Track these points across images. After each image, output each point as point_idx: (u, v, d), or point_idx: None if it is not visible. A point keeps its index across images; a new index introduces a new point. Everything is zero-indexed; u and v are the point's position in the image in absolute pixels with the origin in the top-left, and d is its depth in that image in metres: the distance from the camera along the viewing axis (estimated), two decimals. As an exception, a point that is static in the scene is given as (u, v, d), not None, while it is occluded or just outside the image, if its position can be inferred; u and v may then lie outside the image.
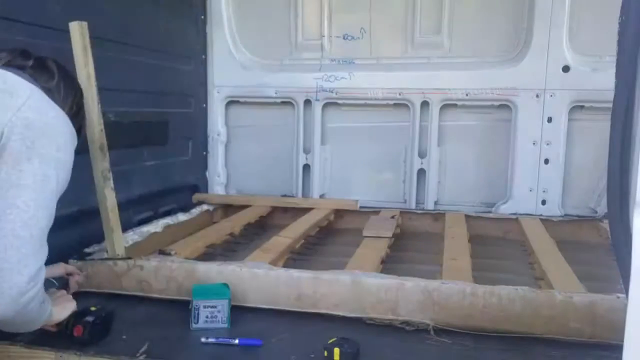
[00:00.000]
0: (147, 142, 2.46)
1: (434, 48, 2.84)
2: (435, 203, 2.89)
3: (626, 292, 0.76)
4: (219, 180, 3.11)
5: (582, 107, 2.68)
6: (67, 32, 1.64)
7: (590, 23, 2.60)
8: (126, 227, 2.13)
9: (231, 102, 3.11)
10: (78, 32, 1.59)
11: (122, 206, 2.21)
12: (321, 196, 3.04)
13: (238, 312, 1.54)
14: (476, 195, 2.87)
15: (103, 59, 2.07)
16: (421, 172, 2.90)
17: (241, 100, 3.09)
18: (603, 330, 1.37)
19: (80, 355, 1.32)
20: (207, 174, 3.09)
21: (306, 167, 3.04)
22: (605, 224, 2.40)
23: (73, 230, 1.77)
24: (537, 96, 2.70)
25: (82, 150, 1.59)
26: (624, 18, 0.78)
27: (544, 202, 2.74)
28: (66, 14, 1.60)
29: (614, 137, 0.82)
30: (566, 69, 2.65)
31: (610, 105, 0.83)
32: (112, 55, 2.14)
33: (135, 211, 2.33)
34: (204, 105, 3.04)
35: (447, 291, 1.48)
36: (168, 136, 2.64)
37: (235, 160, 3.15)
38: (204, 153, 3.07)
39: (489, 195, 2.84)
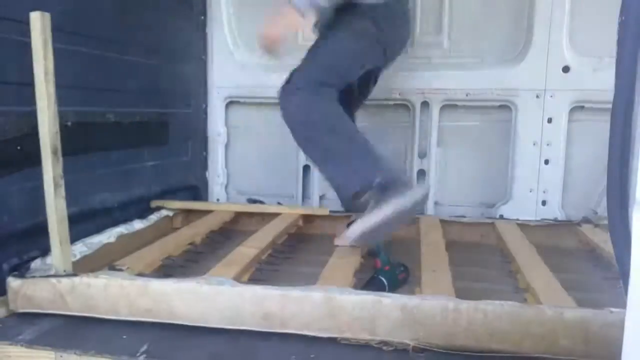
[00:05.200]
0: (147, 143, 2.46)
1: (434, 48, 2.84)
2: (435, 204, 2.88)
3: (625, 292, 0.76)
4: (218, 180, 3.11)
5: (582, 107, 2.68)
6: (70, 33, 1.64)
7: (590, 23, 2.60)
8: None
9: (231, 103, 3.11)
10: (39, 23, 1.47)
11: (123, 206, 2.24)
12: (321, 197, 3.03)
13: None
14: (476, 196, 2.87)
15: (103, 59, 2.09)
16: (421, 173, 2.90)
17: (241, 100, 3.09)
18: (596, 348, 1.29)
19: (81, 354, 1.32)
20: (207, 174, 3.10)
21: (306, 168, 3.04)
22: (584, 229, 2.38)
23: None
24: (537, 97, 2.70)
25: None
26: (624, 18, 0.78)
27: (544, 203, 2.74)
28: (65, 14, 1.60)
29: (614, 137, 0.82)
30: (566, 69, 2.65)
31: (611, 106, 0.83)
32: (112, 55, 2.15)
33: (135, 212, 2.33)
34: (204, 105, 3.04)
35: (428, 308, 1.37)
36: (168, 137, 2.64)
37: (235, 161, 3.15)
38: (204, 154, 3.08)
39: (489, 196, 2.84)
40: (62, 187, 1.55)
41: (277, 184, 3.06)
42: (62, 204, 1.56)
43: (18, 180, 1.68)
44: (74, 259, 1.69)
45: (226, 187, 3.13)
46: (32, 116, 1.54)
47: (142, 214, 2.36)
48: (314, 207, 2.70)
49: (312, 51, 2.13)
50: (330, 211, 2.57)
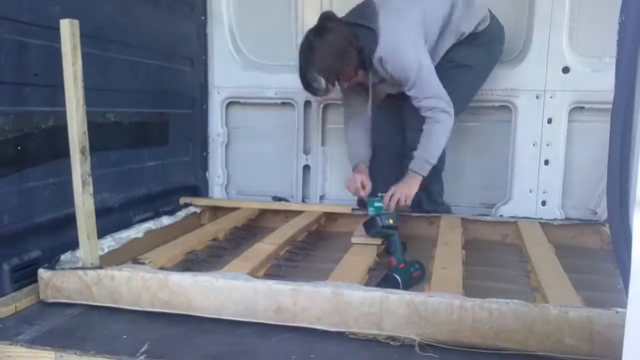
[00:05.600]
0: (148, 143, 2.46)
1: (434, 49, 2.84)
2: (436, 204, 2.89)
3: (626, 292, 0.76)
4: (219, 181, 3.11)
5: (582, 108, 2.68)
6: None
7: (590, 24, 2.60)
8: (127, 227, 2.15)
9: (231, 103, 3.11)
10: (68, 29, 1.55)
11: (123, 207, 2.24)
12: (321, 197, 3.04)
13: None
14: (476, 196, 2.87)
15: (104, 59, 2.09)
16: (421, 173, 2.90)
17: (241, 101, 3.09)
18: (601, 348, 1.30)
19: (81, 355, 1.32)
20: (207, 174, 3.10)
21: (306, 168, 3.04)
22: (607, 228, 2.37)
23: (61, 234, 1.76)
24: (537, 97, 2.70)
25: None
26: (624, 18, 0.78)
27: (544, 203, 2.74)
28: (66, 15, 1.60)
29: (613, 138, 0.82)
30: (566, 70, 2.66)
31: (610, 106, 0.83)
32: (113, 55, 2.15)
33: (135, 212, 2.33)
34: (204, 106, 3.04)
35: (434, 305, 1.39)
36: (168, 137, 2.64)
37: (235, 161, 3.15)
38: (204, 154, 3.08)
39: (489, 196, 2.84)
40: (90, 185, 1.63)
41: (277, 184, 3.06)
42: (90, 200, 1.63)
43: (18, 180, 1.68)
44: (102, 253, 1.78)
45: (226, 187, 3.13)
46: (33, 116, 1.54)
47: (142, 215, 2.37)
48: (336, 205, 2.71)
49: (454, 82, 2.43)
50: (353, 209, 2.60)
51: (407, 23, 2.28)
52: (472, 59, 2.47)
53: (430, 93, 2.31)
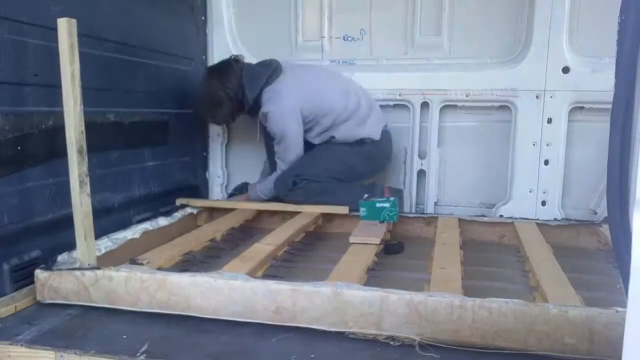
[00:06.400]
0: (148, 143, 2.46)
1: (434, 49, 2.85)
2: (435, 204, 2.89)
3: (626, 292, 0.76)
4: (219, 181, 3.11)
5: (582, 108, 2.68)
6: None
7: (590, 24, 2.60)
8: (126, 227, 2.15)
9: (231, 103, 3.10)
10: (66, 28, 1.54)
11: (123, 206, 2.24)
12: (321, 197, 3.04)
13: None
14: (476, 196, 2.87)
15: (104, 59, 2.09)
16: (421, 173, 2.90)
17: (241, 101, 3.09)
18: (601, 347, 1.30)
19: (81, 354, 1.33)
20: (207, 174, 3.10)
21: (306, 168, 3.04)
22: (604, 229, 2.37)
23: (61, 234, 1.76)
24: (537, 97, 2.70)
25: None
26: (624, 18, 0.78)
27: (543, 203, 2.74)
28: (66, 15, 1.60)
29: (613, 138, 0.82)
30: (566, 70, 2.65)
31: (610, 106, 0.83)
32: (113, 55, 2.15)
33: (135, 212, 2.33)
34: (204, 106, 3.04)
35: (434, 304, 1.39)
36: (168, 137, 2.64)
37: (235, 161, 3.15)
38: (204, 154, 3.08)
39: (489, 196, 2.84)
40: (87, 185, 1.61)
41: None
42: (87, 200, 1.62)
43: (18, 180, 1.68)
44: (99, 254, 1.76)
45: (226, 187, 3.13)
46: (33, 116, 1.53)
47: (142, 215, 2.37)
48: (333, 206, 2.68)
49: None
50: (350, 210, 2.59)
51: (294, 99, 2.63)
52: (351, 160, 2.73)
53: (283, 157, 2.71)
